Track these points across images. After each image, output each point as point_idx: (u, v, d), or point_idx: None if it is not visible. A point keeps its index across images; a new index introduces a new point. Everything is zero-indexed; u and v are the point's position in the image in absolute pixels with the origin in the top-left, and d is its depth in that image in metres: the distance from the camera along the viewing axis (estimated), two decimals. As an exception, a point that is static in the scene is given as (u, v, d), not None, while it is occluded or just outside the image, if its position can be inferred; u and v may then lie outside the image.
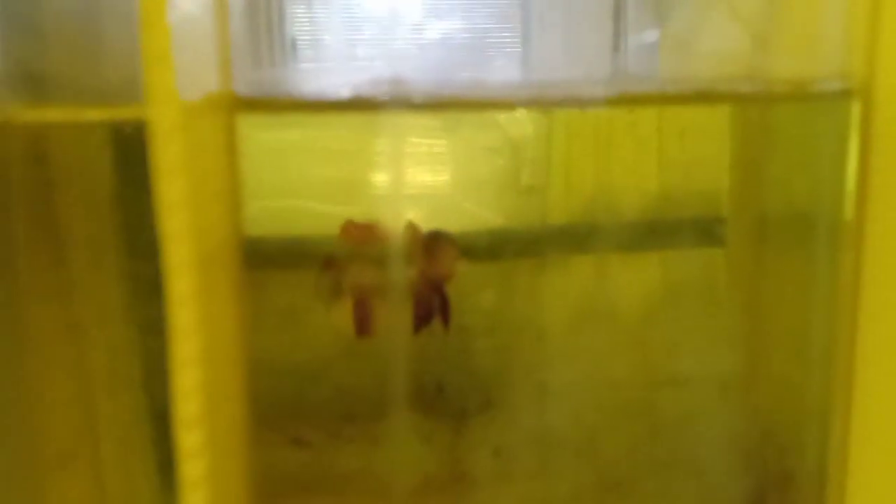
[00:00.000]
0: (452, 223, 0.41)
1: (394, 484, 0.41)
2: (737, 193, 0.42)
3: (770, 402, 0.43)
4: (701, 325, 0.43)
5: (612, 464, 0.42)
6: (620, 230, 0.42)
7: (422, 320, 0.40)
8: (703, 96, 0.39)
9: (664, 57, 0.42)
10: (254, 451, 0.39)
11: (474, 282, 0.42)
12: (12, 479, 0.36)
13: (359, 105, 0.37)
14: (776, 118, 0.42)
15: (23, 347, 0.36)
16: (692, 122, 0.43)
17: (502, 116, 0.41)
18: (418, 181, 0.41)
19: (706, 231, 0.43)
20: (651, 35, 0.42)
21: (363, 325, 0.40)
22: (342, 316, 0.40)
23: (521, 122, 0.42)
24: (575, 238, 0.42)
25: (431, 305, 0.40)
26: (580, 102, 0.38)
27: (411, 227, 0.40)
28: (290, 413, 0.41)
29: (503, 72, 0.42)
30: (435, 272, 0.40)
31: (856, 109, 0.37)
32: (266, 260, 0.40)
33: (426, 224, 0.40)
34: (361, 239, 0.40)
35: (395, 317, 0.40)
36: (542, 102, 0.40)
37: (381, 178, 0.39)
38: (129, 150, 0.39)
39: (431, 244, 0.40)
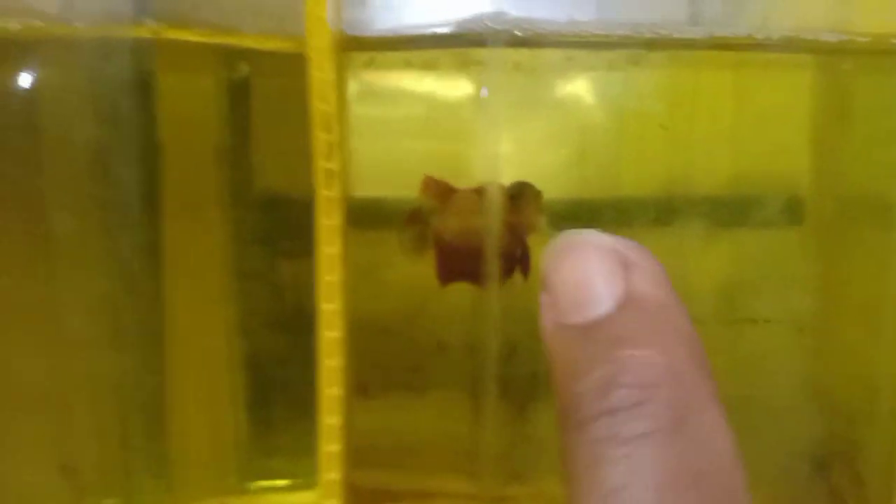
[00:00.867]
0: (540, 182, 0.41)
1: (463, 444, 0.42)
2: (816, 169, 0.42)
3: (840, 377, 0.43)
4: (775, 303, 0.43)
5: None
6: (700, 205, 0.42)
7: (505, 272, 0.41)
8: (785, 44, 0.39)
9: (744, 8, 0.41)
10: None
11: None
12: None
13: (460, 41, 0.37)
14: (857, 87, 0.41)
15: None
16: (770, 92, 0.43)
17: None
18: (515, 136, 0.41)
19: (784, 208, 0.43)
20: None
21: (446, 273, 0.40)
22: (426, 268, 0.41)
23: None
24: (651, 210, 0.42)
25: (514, 257, 0.40)
26: (677, 44, 0.39)
27: (496, 185, 0.40)
28: (364, 366, 0.42)
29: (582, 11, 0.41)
30: (518, 222, 0.40)
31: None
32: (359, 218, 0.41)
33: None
34: (441, 194, 0.40)
35: (476, 268, 0.41)
36: (643, 42, 0.40)
37: (478, 131, 0.40)
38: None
39: (516, 194, 0.40)
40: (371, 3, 0.41)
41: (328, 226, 0.27)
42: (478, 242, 0.40)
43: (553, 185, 0.41)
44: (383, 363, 0.42)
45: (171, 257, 0.38)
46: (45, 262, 0.36)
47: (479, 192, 0.40)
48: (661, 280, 0.20)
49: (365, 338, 0.42)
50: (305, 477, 0.41)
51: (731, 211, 0.42)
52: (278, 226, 0.43)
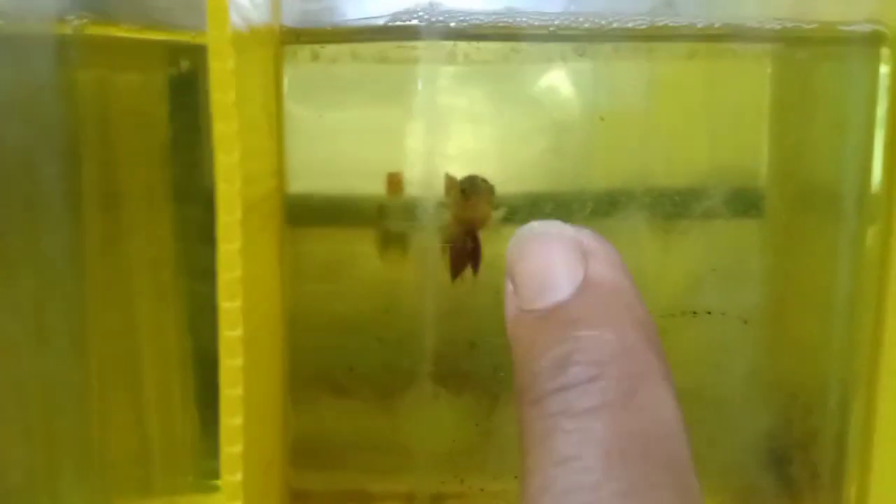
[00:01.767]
0: (490, 175, 0.41)
1: (423, 440, 0.41)
2: (775, 161, 0.41)
3: (793, 368, 0.42)
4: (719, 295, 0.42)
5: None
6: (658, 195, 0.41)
7: (456, 267, 0.40)
8: (734, 33, 0.39)
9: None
10: (292, 403, 0.40)
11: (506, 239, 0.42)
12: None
13: (396, 33, 0.37)
14: (814, 77, 0.40)
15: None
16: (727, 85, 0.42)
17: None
18: (459, 128, 0.40)
19: (743, 200, 0.42)
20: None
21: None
22: (389, 266, 0.40)
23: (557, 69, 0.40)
24: (607, 203, 0.41)
25: (465, 252, 0.40)
26: (623, 35, 0.38)
27: (448, 177, 0.40)
28: (324, 365, 0.42)
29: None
30: (469, 216, 0.40)
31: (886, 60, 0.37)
32: (309, 215, 0.41)
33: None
34: (397, 188, 0.40)
35: (430, 266, 0.40)
36: (587, 34, 0.39)
37: (419, 125, 0.39)
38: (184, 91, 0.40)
39: (467, 187, 0.40)
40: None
41: (228, 222, 0.26)
42: (429, 243, 0.40)
43: (499, 178, 0.41)
44: (354, 363, 0.41)
45: (102, 255, 0.37)
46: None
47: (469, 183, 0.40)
48: (617, 266, 0.21)
49: (335, 337, 0.41)
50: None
51: (687, 203, 0.41)
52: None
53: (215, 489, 0.43)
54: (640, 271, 0.40)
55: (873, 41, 0.39)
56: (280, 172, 0.38)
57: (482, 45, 0.39)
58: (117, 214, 0.38)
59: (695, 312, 0.41)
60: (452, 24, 0.38)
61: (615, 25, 0.38)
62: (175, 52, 0.40)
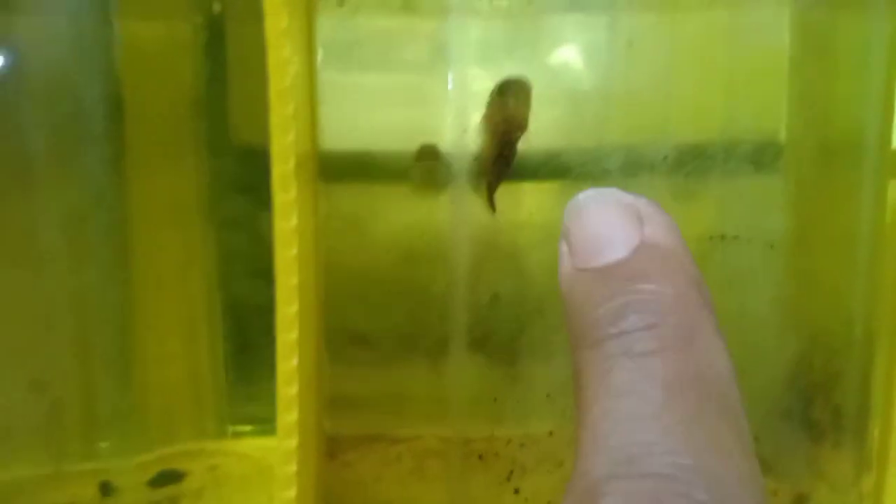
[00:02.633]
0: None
1: (450, 393, 0.43)
2: (795, 113, 0.42)
3: (816, 304, 0.43)
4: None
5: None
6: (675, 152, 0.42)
7: (492, 185, 0.40)
8: None
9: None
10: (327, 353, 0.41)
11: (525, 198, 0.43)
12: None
13: None
14: (829, 28, 0.41)
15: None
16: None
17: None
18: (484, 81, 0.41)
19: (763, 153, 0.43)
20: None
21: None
22: (416, 217, 0.41)
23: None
24: (628, 158, 0.42)
25: (501, 165, 0.39)
26: None
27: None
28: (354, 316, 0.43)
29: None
30: (506, 117, 0.38)
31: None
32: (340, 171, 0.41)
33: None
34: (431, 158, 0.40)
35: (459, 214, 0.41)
36: None
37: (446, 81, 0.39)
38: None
39: (504, 86, 0.38)
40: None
41: (283, 172, 0.27)
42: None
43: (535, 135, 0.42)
44: (377, 314, 0.42)
45: (139, 204, 0.38)
46: (20, 179, 0.36)
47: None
48: (671, 230, 0.22)
49: (358, 289, 0.42)
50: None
51: (709, 156, 0.42)
52: (256, 175, 0.43)
53: (245, 434, 0.45)
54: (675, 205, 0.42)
55: None
56: (314, 131, 0.39)
57: None
58: (154, 150, 0.38)
59: (723, 236, 0.42)
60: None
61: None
62: None
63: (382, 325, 0.42)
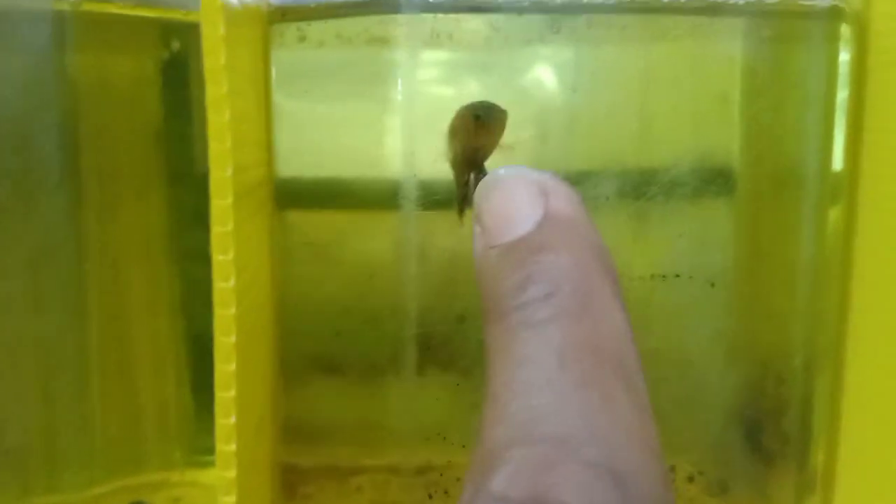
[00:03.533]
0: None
1: (409, 414, 0.43)
2: (746, 139, 0.43)
3: (761, 334, 0.44)
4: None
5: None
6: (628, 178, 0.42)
7: (463, 205, 0.39)
8: (701, 7, 0.40)
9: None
10: (283, 382, 0.41)
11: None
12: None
13: (378, 6, 0.39)
14: (782, 55, 0.42)
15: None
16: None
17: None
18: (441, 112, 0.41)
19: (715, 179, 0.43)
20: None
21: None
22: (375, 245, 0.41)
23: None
24: (582, 183, 0.42)
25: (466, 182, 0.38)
26: (598, 7, 0.40)
27: (458, 111, 0.38)
28: (313, 343, 0.43)
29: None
30: (480, 144, 0.37)
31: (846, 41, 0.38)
32: (298, 199, 0.42)
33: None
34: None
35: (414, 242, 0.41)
36: (562, 7, 0.40)
37: (402, 109, 0.40)
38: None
39: (482, 113, 0.37)
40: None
41: (221, 206, 0.27)
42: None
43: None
44: (339, 340, 0.42)
45: (99, 226, 0.38)
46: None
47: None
48: (574, 202, 0.23)
49: (320, 316, 0.42)
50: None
51: (662, 182, 0.42)
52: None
53: (209, 465, 0.45)
54: (616, 242, 0.42)
55: (832, 17, 0.41)
56: (270, 160, 0.39)
57: (462, 23, 0.40)
58: (114, 188, 0.39)
59: (664, 276, 0.42)
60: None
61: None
62: (167, 32, 0.41)
63: (345, 351, 0.42)
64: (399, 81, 0.41)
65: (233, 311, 0.28)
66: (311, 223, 0.42)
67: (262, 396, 0.36)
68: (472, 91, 0.42)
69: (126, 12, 0.38)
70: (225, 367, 0.28)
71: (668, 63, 0.41)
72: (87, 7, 0.36)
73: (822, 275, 0.42)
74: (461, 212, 0.40)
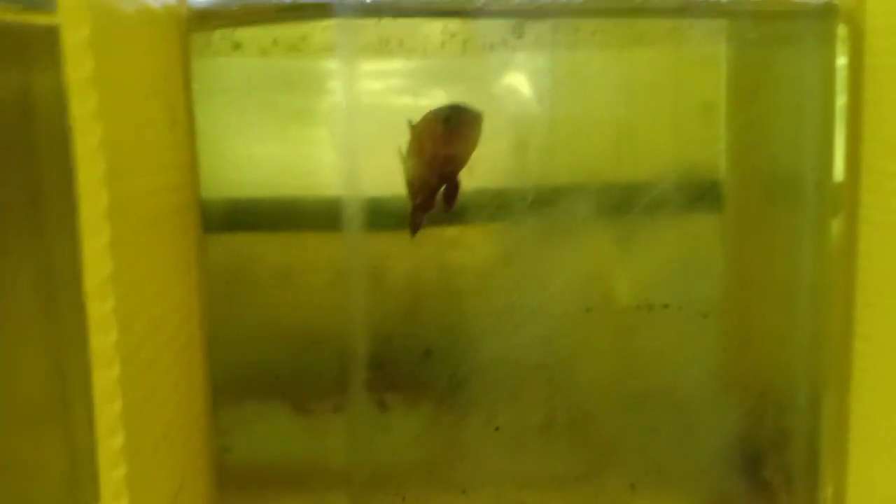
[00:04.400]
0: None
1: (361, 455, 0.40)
2: (734, 151, 0.39)
3: (760, 364, 0.40)
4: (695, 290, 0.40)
5: (605, 446, 0.41)
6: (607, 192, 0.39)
7: (417, 221, 0.35)
8: (683, 7, 0.37)
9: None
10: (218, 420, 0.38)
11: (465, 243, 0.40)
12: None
13: (309, 11, 0.35)
14: (769, 60, 0.38)
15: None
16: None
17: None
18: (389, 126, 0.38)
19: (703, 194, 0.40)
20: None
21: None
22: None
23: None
24: (553, 201, 0.39)
25: (431, 200, 0.35)
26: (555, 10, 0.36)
27: (412, 124, 0.35)
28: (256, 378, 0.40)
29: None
30: (452, 152, 0.34)
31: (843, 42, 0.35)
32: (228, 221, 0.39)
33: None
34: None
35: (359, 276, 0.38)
36: (514, 12, 0.37)
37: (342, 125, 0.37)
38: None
39: (452, 116, 0.34)
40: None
41: (92, 214, 0.24)
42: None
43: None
44: (285, 375, 0.40)
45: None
46: None
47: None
48: None
49: (266, 347, 0.39)
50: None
51: (647, 198, 0.39)
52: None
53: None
54: (599, 267, 0.39)
55: (827, 15, 0.37)
56: (194, 183, 0.37)
57: (415, 28, 0.37)
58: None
59: (651, 306, 0.39)
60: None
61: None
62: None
63: (284, 387, 0.39)
64: (341, 92, 0.38)
65: (113, 338, 0.24)
66: (247, 247, 0.39)
67: (182, 439, 0.33)
68: (425, 103, 0.39)
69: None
70: (109, 407, 0.25)
71: (646, 70, 0.38)
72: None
73: (824, 295, 0.38)
74: (415, 230, 0.37)
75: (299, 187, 0.38)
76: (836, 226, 0.38)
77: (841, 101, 0.37)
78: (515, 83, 0.38)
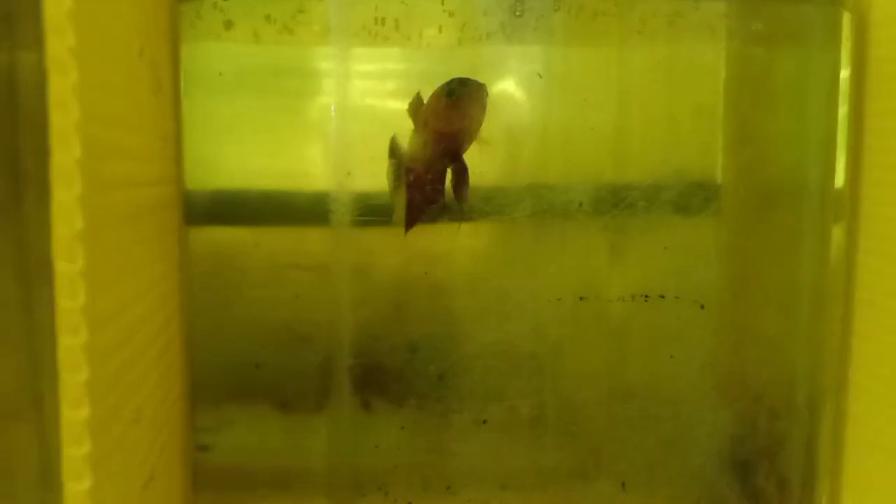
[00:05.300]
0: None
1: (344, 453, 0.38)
2: (732, 152, 0.38)
3: (755, 364, 0.39)
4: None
5: (596, 443, 0.39)
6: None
7: (414, 212, 0.33)
8: None
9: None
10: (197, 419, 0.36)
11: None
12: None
13: None
14: (767, 63, 0.37)
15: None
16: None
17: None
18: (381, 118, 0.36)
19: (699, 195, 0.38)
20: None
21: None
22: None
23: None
24: (545, 199, 0.37)
25: (434, 185, 0.33)
26: None
27: (416, 96, 0.33)
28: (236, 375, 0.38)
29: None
30: (456, 127, 0.32)
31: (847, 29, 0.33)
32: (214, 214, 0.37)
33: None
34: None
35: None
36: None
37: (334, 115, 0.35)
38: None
39: (456, 88, 0.32)
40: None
41: (65, 200, 0.21)
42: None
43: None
44: (268, 375, 0.37)
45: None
46: None
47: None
48: None
49: (249, 344, 0.37)
50: None
51: (643, 199, 0.37)
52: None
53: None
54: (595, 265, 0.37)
55: (830, 7, 0.35)
56: (178, 173, 0.34)
57: (411, 7, 0.35)
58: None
59: (648, 296, 0.37)
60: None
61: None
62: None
63: (267, 386, 0.37)
64: (333, 76, 0.35)
65: (83, 338, 0.22)
66: (231, 240, 0.37)
67: (160, 442, 0.31)
68: (420, 87, 0.37)
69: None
70: (74, 413, 0.22)
71: (643, 71, 0.36)
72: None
73: (824, 300, 0.37)
74: (411, 222, 0.34)
75: (288, 180, 0.36)
76: (838, 229, 0.37)
77: (844, 108, 0.36)
78: (513, 66, 0.36)
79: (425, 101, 0.33)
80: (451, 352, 0.37)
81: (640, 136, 0.37)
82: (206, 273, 0.36)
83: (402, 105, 0.35)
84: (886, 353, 0.33)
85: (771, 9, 0.36)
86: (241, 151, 0.36)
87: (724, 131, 0.37)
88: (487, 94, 0.32)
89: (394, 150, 0.34)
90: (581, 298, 0.37)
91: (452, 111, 0.32)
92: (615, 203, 0.37)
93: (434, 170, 0.33)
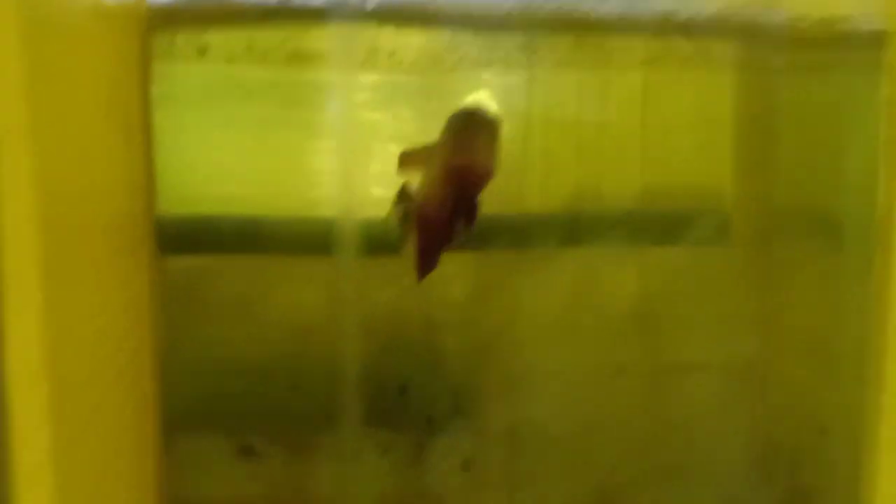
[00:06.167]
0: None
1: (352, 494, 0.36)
2: (742, 183, 0.36)
3: (787, 424, 0.37)
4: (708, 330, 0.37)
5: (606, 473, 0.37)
6: (610, 222, 0.36)
7: (428, 254, 0.31)
8: (717, 26, 0.34)
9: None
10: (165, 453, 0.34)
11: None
12: None
13: (298, 15, 0.32)
14: (786, 87, 0.36)
15: None
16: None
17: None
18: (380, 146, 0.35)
19: (708, 224, 0.37)
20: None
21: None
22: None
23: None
24: (557, 229, 0.36)
25: (445, 226, 0.31)
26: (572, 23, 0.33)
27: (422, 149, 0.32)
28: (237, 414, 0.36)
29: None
30: (467, 162, 0.30)
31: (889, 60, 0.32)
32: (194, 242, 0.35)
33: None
34: (419, 161, 0.32)
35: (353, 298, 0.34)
36: (529, 22, 0.34)
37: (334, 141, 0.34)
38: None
39: (466, 119, 0.30)
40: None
41: (17, 229, 0.20)
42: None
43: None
44: (263, 414, 0.36)
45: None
46: None
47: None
48: None
49: (247, 386, 0.36)
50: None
51: (646, 229, 0.36)
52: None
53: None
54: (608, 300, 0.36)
55: (875, 43, 0.33)
56: (149, 192, 0.33)
57: (408, 38, 0.34)
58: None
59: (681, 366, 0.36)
60: (369, 6, 0.32)
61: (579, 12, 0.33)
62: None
63: (268, 426, 0.36)
64: (330, 106, 0.34)
65: (41, 406, 0.20)
66: (220, 271, 0.36)
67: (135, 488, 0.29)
68: (415, 127, 0.35)
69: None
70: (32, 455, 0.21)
71: (667, 92, 0.35)
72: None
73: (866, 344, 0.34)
74: (426, 264, 0.33)
75: (265, 206, 0.35)
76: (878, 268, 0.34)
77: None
78: (514, 105, 0.35)
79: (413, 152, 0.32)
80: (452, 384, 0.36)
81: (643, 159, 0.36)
82: (179, 303, 0.35)
83: (382, 125, 0.34)
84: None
85: (808, 49, 0.35)
86: (218, 175, 0.35)
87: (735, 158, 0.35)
88: (499, 126, 0.30)
89: (402, 196, 0.33)
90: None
91: (461, 145, 0.30)
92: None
93: (446, 208, 0.32)
